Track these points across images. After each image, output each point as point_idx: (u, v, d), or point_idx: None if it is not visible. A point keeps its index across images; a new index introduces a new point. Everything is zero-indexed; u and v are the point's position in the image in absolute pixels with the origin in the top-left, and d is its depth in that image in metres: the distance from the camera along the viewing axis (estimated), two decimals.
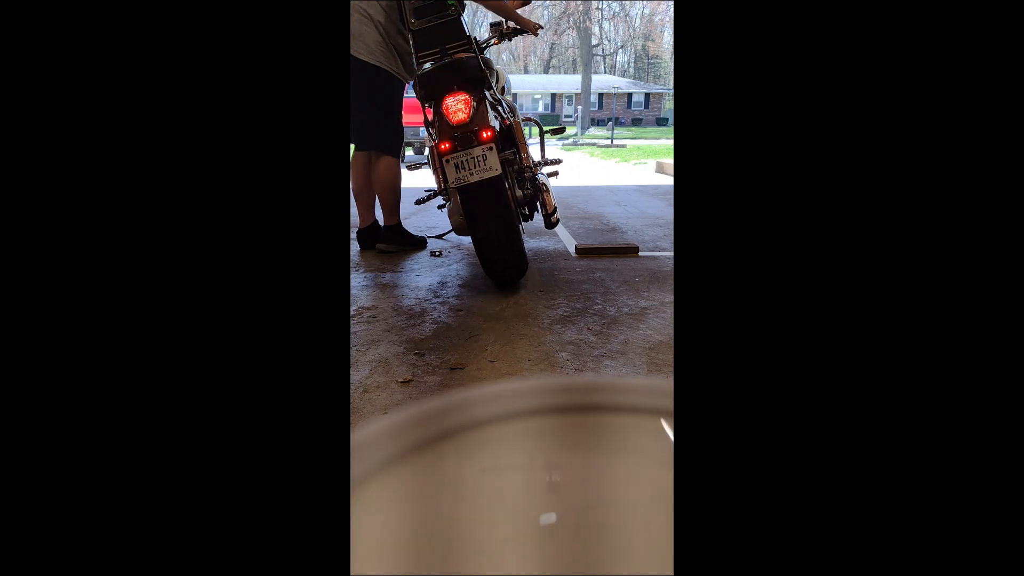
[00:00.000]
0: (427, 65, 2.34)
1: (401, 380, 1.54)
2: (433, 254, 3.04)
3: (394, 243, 3.09)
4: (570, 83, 37.70)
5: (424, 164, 3.08)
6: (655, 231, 3.55)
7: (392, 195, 3.02)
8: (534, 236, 3.40)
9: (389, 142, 2.94)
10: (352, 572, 0.24)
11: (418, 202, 2.56)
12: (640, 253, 2.96)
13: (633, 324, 1.93)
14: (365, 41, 2.72)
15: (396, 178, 3.01)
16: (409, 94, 3.07)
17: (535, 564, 0.25)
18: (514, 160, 2.34)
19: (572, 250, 3.04)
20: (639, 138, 20.14)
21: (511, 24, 2.69)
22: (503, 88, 2.94)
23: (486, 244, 2.21)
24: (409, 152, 11.04)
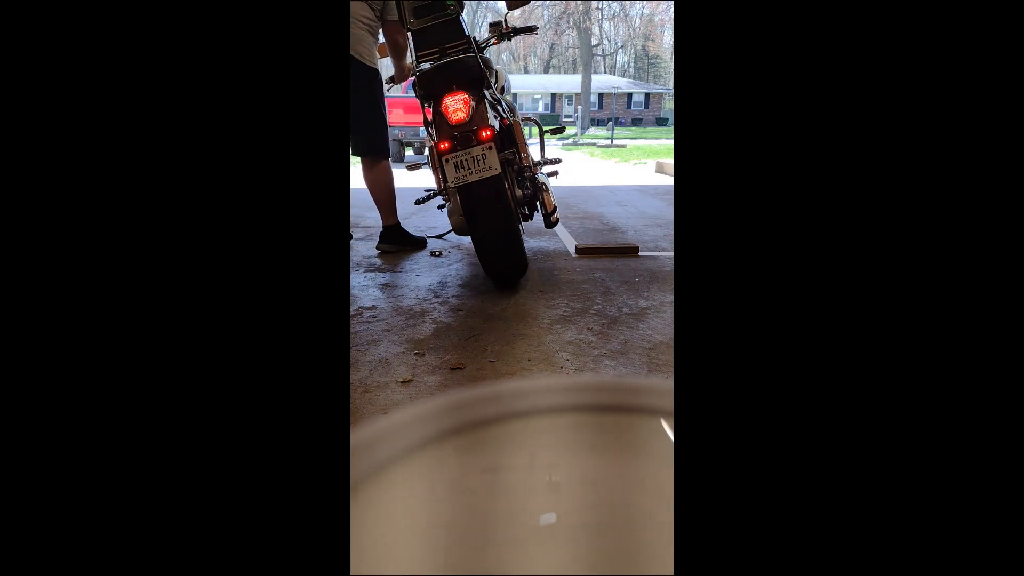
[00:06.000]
0: (426, 65, 2.34)
1: (401, 380, 1.54)
2: (433, 254, 3.04)
3: (394, 243, 3.10)
4: (570, 83, 37.68)
5: (424, 164, 3.08)
6: (655, 231, 3.55)
7: (388, 196, 3.03)
8: (534, 236, 3.40)
9: (381, 145, 2.97)
10: (352, 572, 0.24)
11: (418, 202, 2.56)
12: (640, 253, 2.96)
13: (633, 324, 1.93)
14: (363, 42, 2.73)
15: (391, 178, 3.02)
16: (409, 94, 3.08)
17: (535, 564, 0.25)
18: (514, 160, 2.34)
19: (572, 250, 3.04)
20: (639, 138, 20.14)
21: (511, 24, 2.69)
22: (503, 88, 2.94)
23: (486, 244, 2.20)
24: (409, 152, 11.04)
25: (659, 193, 5.57)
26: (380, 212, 3.09)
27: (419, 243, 3.20)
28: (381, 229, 3.13)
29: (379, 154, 2.96)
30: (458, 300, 2.24)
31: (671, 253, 2.95)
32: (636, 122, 36.69)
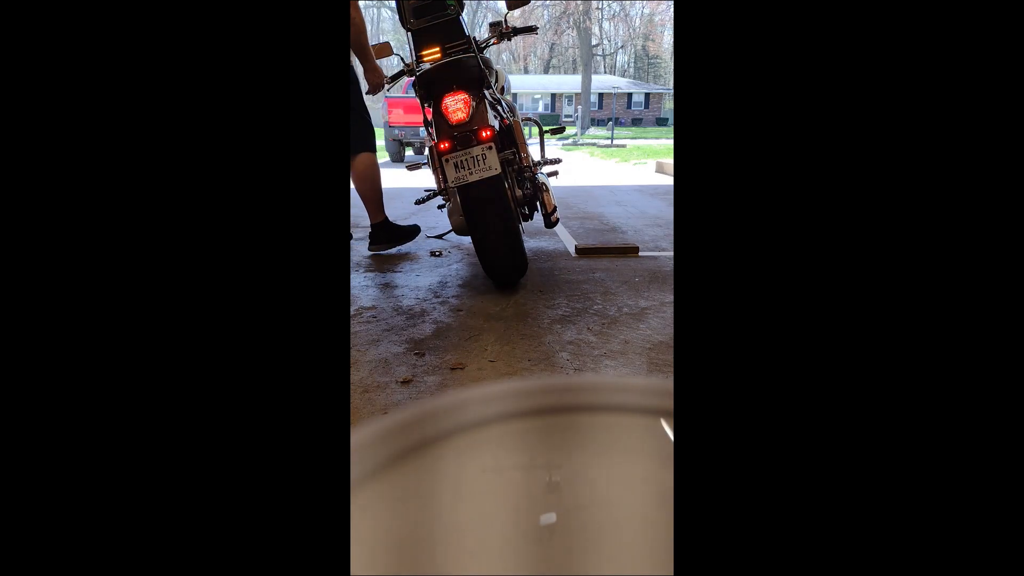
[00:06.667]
0: (426, 65, 2.34)
1: (401, 380, 1.54)
2: (433, 254, 3.04)
3: (385, 241, 3.01)
4: (570, 83, 37.67)
5: (424, 164, 3.08)
6: (655, 231, 3.55)
7: (374, 191, 2.92)
8: (534, 236, 3.40)
9: (364, 138, 2.87)
10: (352, 572, 0.24)
11: (418, 202, 2.56)
12: (640, 253, 2.96)
13: (633, 324, 1.93)
14: None
15: (376, 172, 2.91)
16: (409, 94, 3.06)
17: (535, 564, 0.25)
18: (514, 160, 2.34)
19: (572, 250, 3.04)
20: (639, 138, 20.13)
21: (511, 24, 2.69)
22: (503, 88, 2.94)
23: (486, 244, 2.21)
24: (409, 152, 11.03)
25: (659, 193, 5.57)
26: (367, 209, 2.96)
27: (412, 232, 3.09)
28: (369, 229, 3.02)
29: (359, 148, 2.85)
30: (458, 300, 2.24)
31: (671, 253, 2.95)
32: (636, 122, 36.67)
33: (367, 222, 3.90)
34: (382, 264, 2.83)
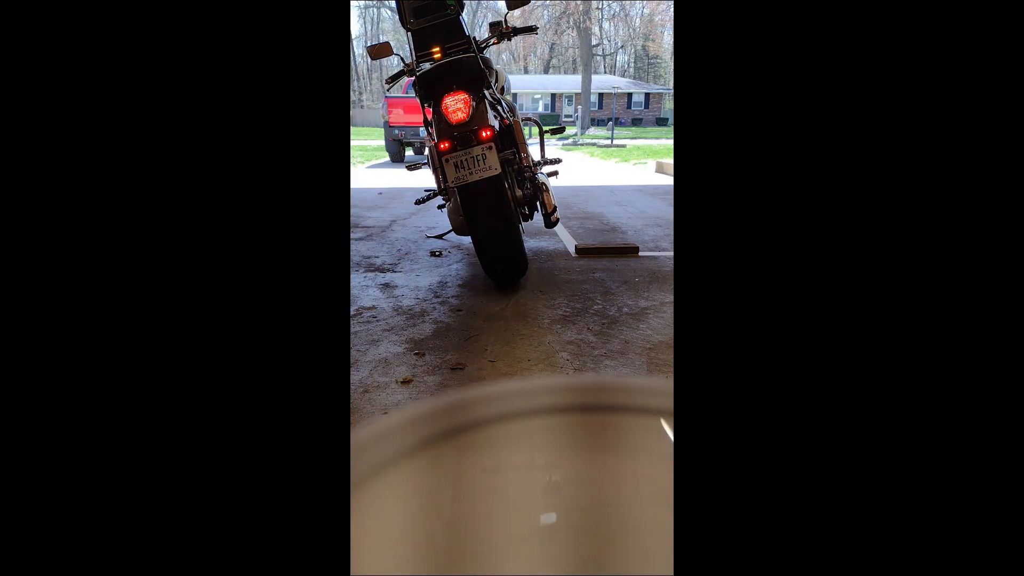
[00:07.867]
0: (426, 65, 2.34)
1: (401, 380, 1.54)
2: (433, 254, 3.04)
3: None
4: (570, 83, 37.64)
5: (424, 164, 3.08)
6: (655, 231, 3.55)
7: None
8: (534, 236, 3.40)
9: None
10: (352, 572, 0.24)
11: (418, 202, 2.56)
12: (640, 253, 2.96)
13: (633, 324, 1.93)
14: None
15: None
16: (409, 94, 3.06)
17: (535, 564, 0.25)
18: (514, 160, 2.34)
19: (572, 250, 3.04)
20: (639, 138, 20.12)
21: (511, 24, 2.69)
22: (503, 88, 2.94)
23: (486, 244, 2.21)
24: (409, 152, 11.03)
25: (659, 193, 5.57)
26: None
27: None
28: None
29: None
30: (458, 300, 2.24)
31: (671, 253, 2.95)
32: (636, 122, 36.64)
33: (367, 222, 3.90)
34: (382, 264, 2.83)
